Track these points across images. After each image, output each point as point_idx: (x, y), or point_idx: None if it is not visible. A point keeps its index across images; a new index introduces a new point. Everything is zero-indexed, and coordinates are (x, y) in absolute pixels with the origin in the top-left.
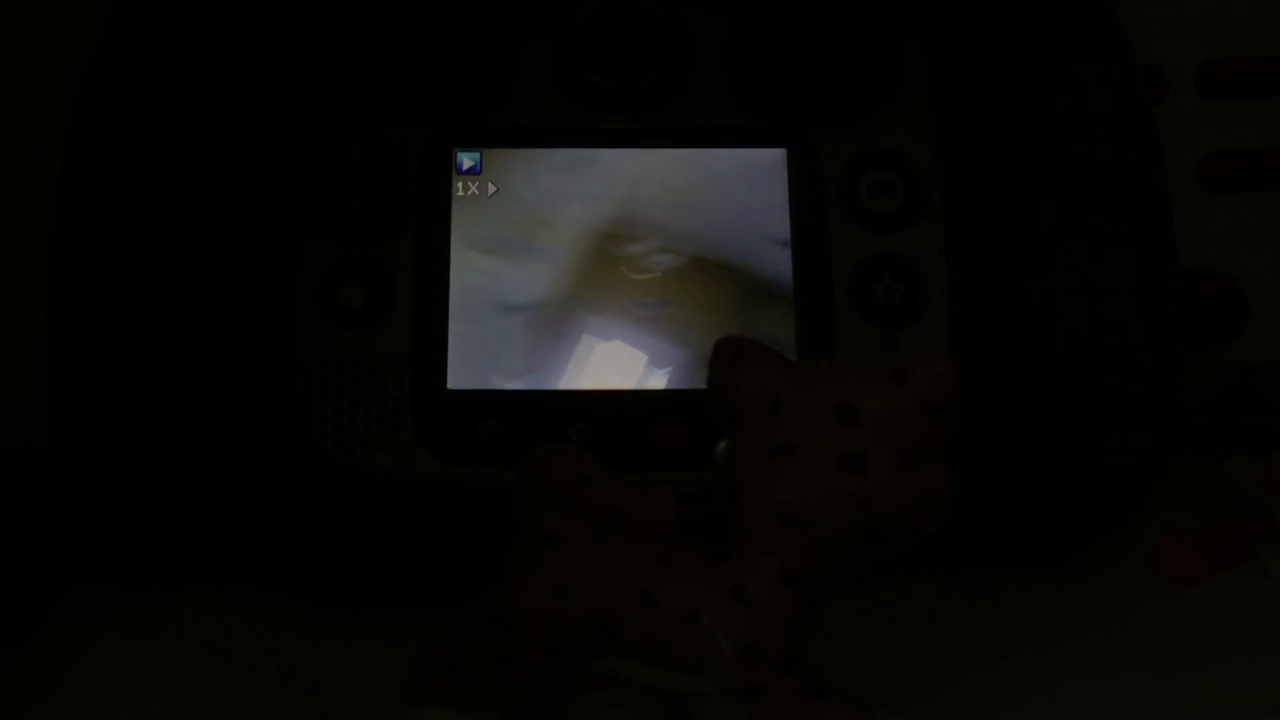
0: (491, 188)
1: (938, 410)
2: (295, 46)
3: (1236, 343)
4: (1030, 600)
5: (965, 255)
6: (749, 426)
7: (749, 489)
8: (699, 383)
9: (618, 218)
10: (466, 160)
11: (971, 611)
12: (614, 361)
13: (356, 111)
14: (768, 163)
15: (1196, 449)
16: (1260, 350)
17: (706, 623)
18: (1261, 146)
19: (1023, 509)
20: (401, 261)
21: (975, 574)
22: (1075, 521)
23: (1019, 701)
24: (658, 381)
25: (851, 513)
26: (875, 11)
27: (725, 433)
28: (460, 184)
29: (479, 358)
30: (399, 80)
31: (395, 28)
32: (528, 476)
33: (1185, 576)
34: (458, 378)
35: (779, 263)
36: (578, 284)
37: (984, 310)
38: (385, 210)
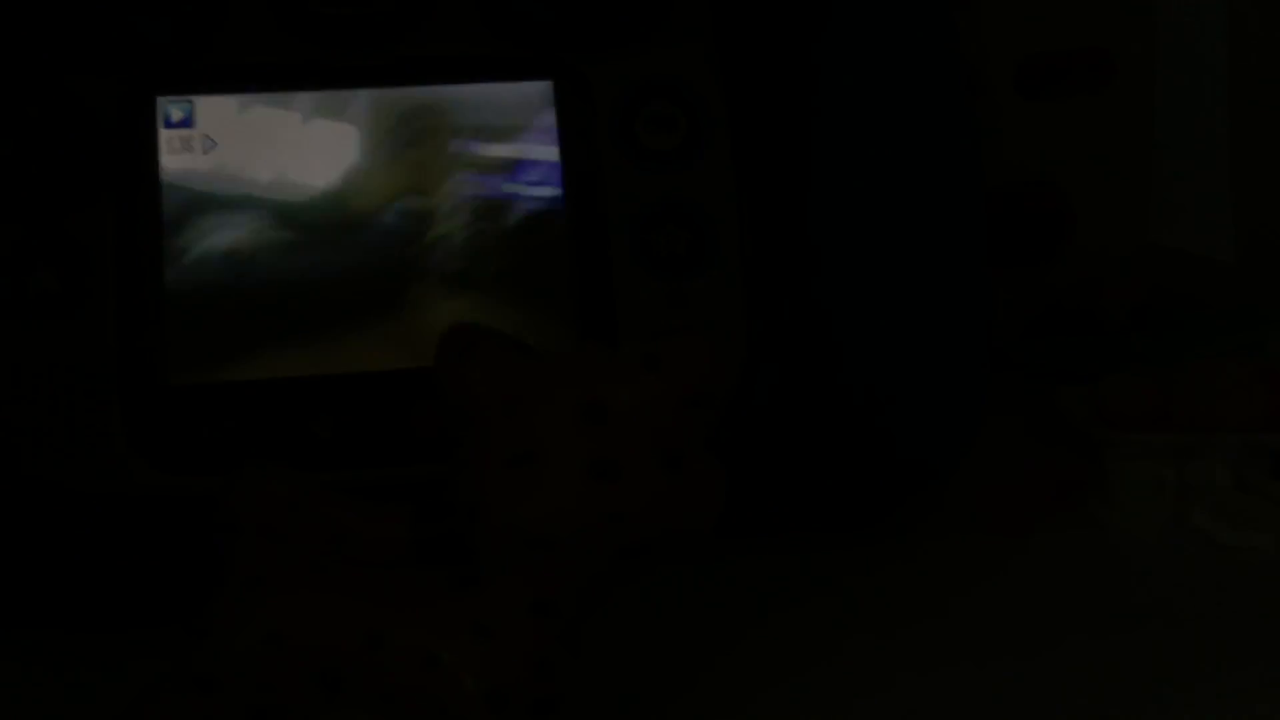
0: (208, 142)
1: (698, 400)
2: None
3: (1065, 254)
4: (852, 562)
5: (756, 196)
6: (484, 431)
7: (488, 505)
8: None
9: (359, 169)
10: (175, 111)
11: (791, 583)
12: (361, 340)
13: (36, 63)
14: (531, 98)
15: (1027, 371)
16: (1089, 261)
17: (447, 665)
18: (1080, 45)
19: (831, 475)
20: (101, 236)
21: (795, 541)
22: (886, 486)
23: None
24: (412, 359)
25: (606, 527)
26: None
27: (459, 438)
28: (169, 139)
29: (203, 345)
30: (82, 24)
31: None
32: (228, 505)
33: (1012, 530)
34: (179, 370)
35: (550, 213)
36: (315, 251)
37: (778, 259)
38: (74, 178)
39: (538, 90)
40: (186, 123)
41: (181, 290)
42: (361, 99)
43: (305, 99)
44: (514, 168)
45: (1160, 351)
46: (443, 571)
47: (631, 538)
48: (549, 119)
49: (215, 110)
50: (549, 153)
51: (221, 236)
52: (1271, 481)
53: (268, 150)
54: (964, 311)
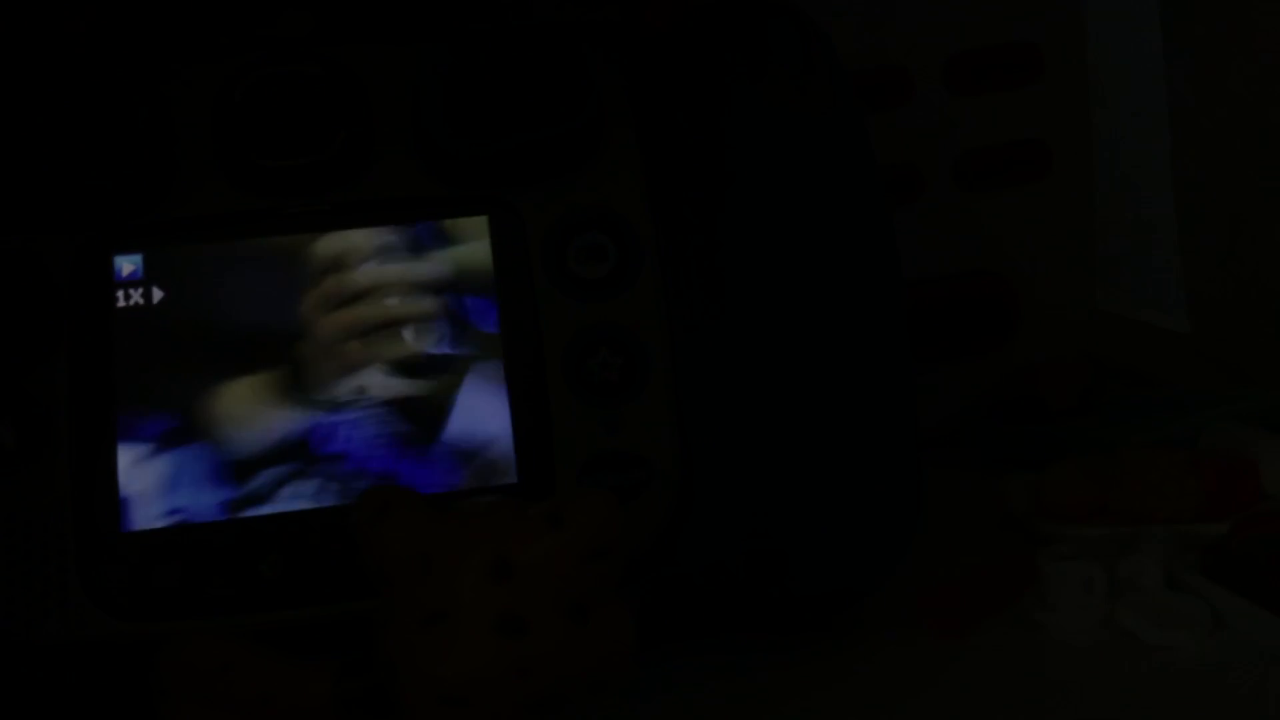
0: (158, 293)
1: (601, 553)
2: None
3: (1012, 342)
4: (791, 668)
5: (685, 320)
6: (400, 590)
7: (403, 662)
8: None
9: (306, 313)
10: (126, 265)
11: (728, 690)
12: (307, 479)
13: None
14: (468, 233)
15: (975, 459)
16: (1036, 347)
17: None
18: (1015, 138)
19: (770, 583)
20: (55, 391)
21: (735, 645)
22: (826, 593)
23: None
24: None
25: (518, 681)
26: (570, 58)
27: (379, 594)
28: (121, 293)
29: (155, 492)
30: (35, 185)
31: (28, 123)
32: (160, 671)
33: (950, 633)
34: (131, 518)
35: (488, 343)
36: (263, 395)
37: (709, 380)
38: (27, 336)
39: (474, 226)
40: (136, 274)
41: (133, 438)
42: (307, 244)
43: (251, 246)
44: (456, 300)
45: (1105, 437)
46: None
47: (541, 690)
48: (486, 253)
49: (165, 262)
50: (486, 286)
51: (172, 383)
52: (1199, 577)
53: (216, 297)
54: (891, 427)
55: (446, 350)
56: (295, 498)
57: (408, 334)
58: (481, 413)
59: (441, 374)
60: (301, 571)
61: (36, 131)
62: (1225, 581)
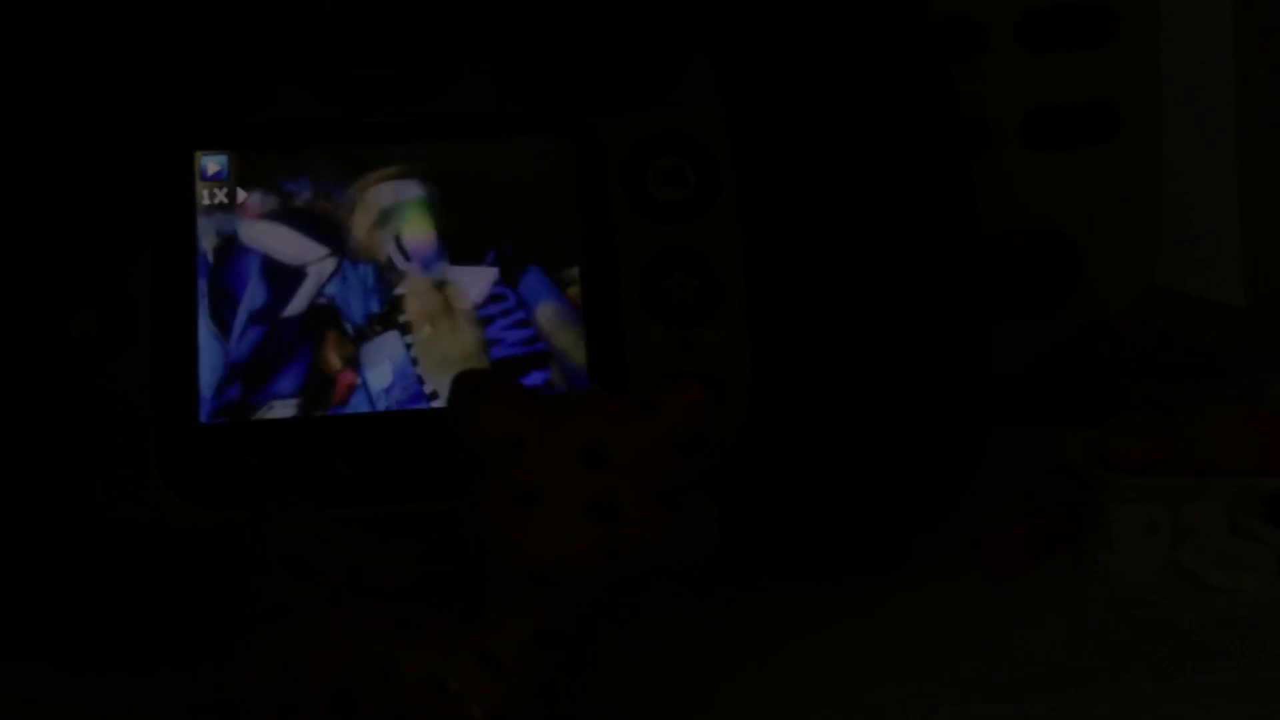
0: (241, 194)
1: (693, 444)
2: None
3: (1072, 301)
4: (852, 601)
5: (761, 245)
6: (491, 471)
7: (494, 541)
8: None
9: (385, 221)
10: (211, 165)
11: (790, 618)
12: (385, 380)
13: (79, 118)
14: (547, 152)
15: (1031, 415)
16: (1095, 308)
17: (455, 693)
18: (1085, 99)
19: (832, 511)
20: (139, 283)
21: (794, 575)
22: (887, 523)
23: (845, 715)
24: (434, 399)
25: (604, 564)
26: None
27: (469, 477)
28: (206, 191)
29: (234, 386)
30: (121, 81)
31: (115, 19)
32: (251, 539)
33: (1011, 571)
34: (210, 410)
35: (564, 262)
36: (344, 297)
37: (783, 305)
38: (113, 228)
39: (552, 145)
40: (221, 174)
41: (215, 333)
42: (388, 154)
43: (334, 153)
44: (533, 219)
45: (1161, 397)
46: (451, 604)
47: (629, 574)
48: (564, 173)
49: (249, 164)
50: (564, 205)
51: (253, 284)
52: (1262, 524)
53: (298, 200)
54: (963, 366)
55: (528, 268)
56: (372, 398)
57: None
58: (559, 331)
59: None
60: (377, 470)
61: (122, 28)
62: None
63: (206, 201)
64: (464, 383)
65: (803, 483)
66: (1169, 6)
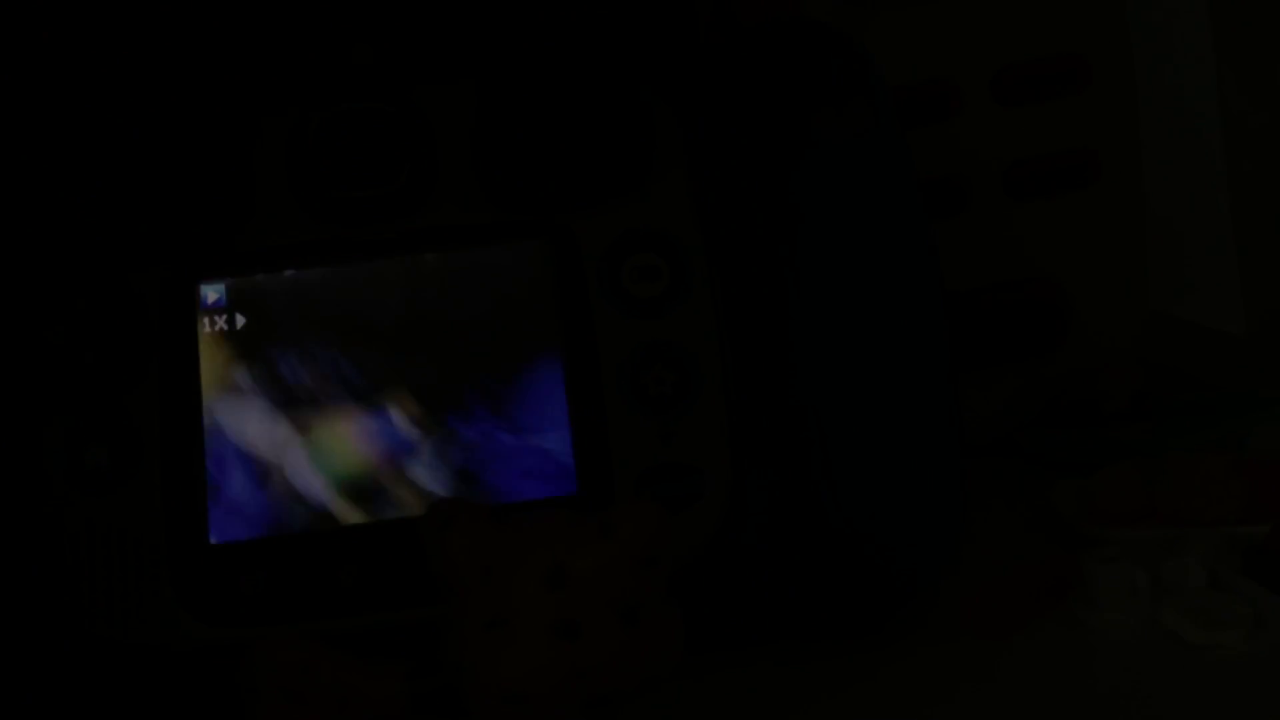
0: (240, 319)
1: (651, 560)
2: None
3: (1065, 346)
4: (843, 670)
5: (736, 336)
6: (464, 596)
7: (469, 664)
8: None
9: (379, 334)
10: (211, 294)
11: (785, 692)
12: (382, 491)
13: (84, 258)
14: (527, 256)
15: (1028, 462)
16: (1089, 351)
17: None
18: (1065, 148)
19: (816, 595)
20: (147, 414)
21: (787, 650)
22: (872, 600)
23: None
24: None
25: (574, 681)
26: (621, 80)
27: (445, 601)
28: (206, 320)
29: (240, 507)
30: (124, 222)
31: (116, 165)
32: (249, 670)
33: (999, 633)
34: (219, 530)
35: (548, 361)
36: (340, 412)
37: (759, 394)
38: (121, 361)
39: (532, 249)
40: (220, 303)
41: (220, 457)
42: (378, 269)
43: (327, 273)
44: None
45: (1150, 443)
46: None
47: (596, 688)
48: (543, 274)
49: (246, 290)
50: (545, 306)
51: (255, 404)
52: (1241, 577)
53: (294, 322)
54: (936, 433)
55: (512, 371)
56: (369, 511)
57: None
58: (545, 428)
59: (509, 394)
60: (375, 579)
61: (123, 173)
62: (1267, 582)
63: (207, 329)
64: (435, 513)
65: (784, 563)
66: (1144, 48)
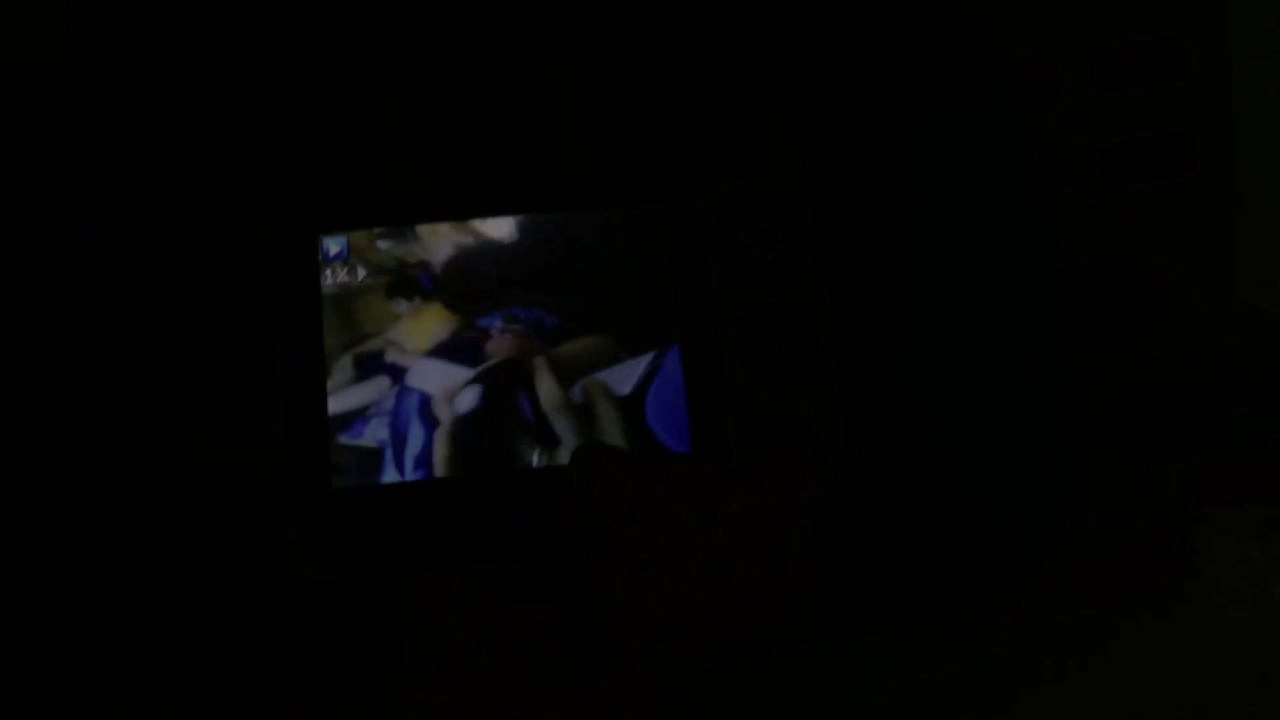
0: (361, 272)
1: (800, 508)
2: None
3: (1158, 330)
4: (952, 642)
5: (849, 301)
6: (612, 539)
7: (617, 604)
8: None
9: (497, 291)
10: (333, 246)
11: (894, 662)
12: (500, 444)
13: (214, 213)
14: (643, 220)
15: (1122, 445)
16: (1180, 338)
17: None
18: (1160, 132)
19: (921, 564)
20: (272, 361)
21: (896, 622)
22: (981, 572)
23: None
24: (546, 460)
25: (722, 621)
26: (738, 57)
27: (591, 542)
28: (328, 271)
29: (362, 453)
30: (253, 177)
31: (248, 123)
32: (397, 605)
33: (1104, 603)
34: (341, 476)
35: (664, 322)
36: (459, 365)
37: (871, 362)
38: (248, 310)
39: (648, 213)
40: (342, 255)
41: (342, 403)
42: (496, 227)
43: (446, 229)
44: (632, 282)
45: (1251, 425)
46: (580, 662)
47: (743, 631)
48: (660, 238)
49: (366, 243)
50: (661, 269)
51: (376, 352)
52: None
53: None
54: (1049, 407)
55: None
56: (488, 461)
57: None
58: (663, 389)
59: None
60: (495, 529)
61: (255, 130)
62: None
63: (329, 281)
64: (583, 457)
65: (903, 526)
66: (1241, 35)
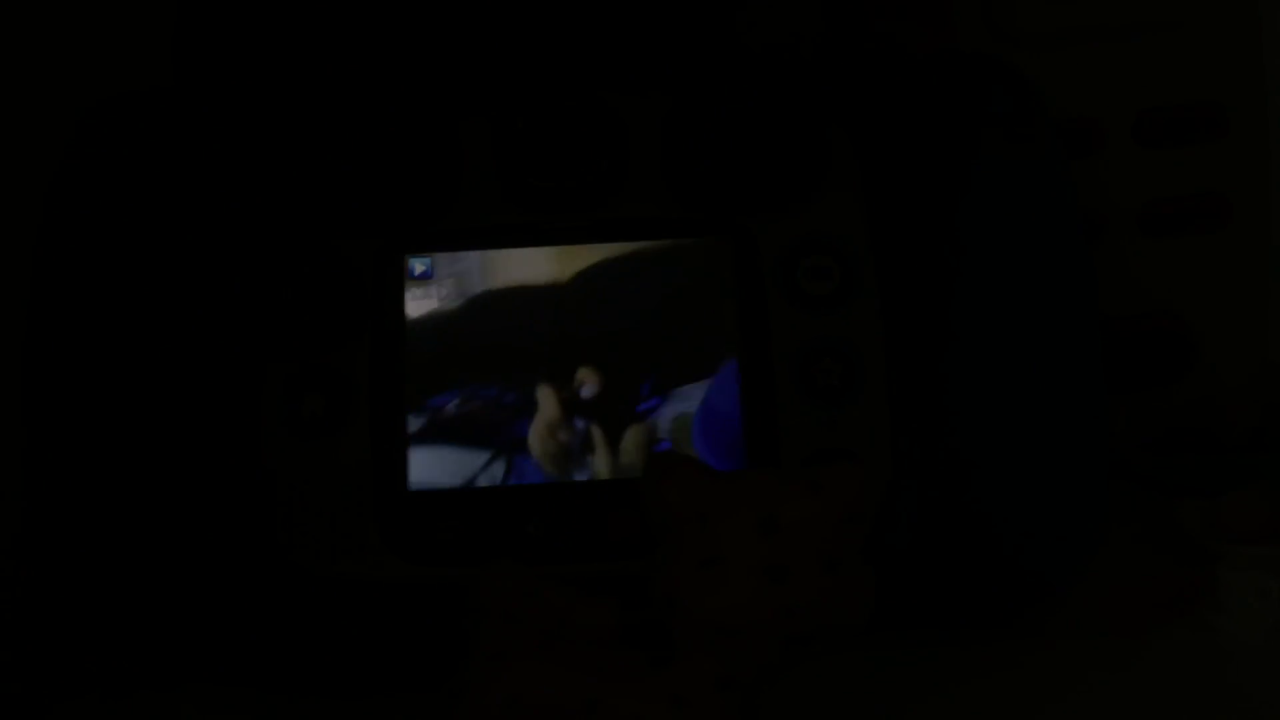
0: (443, 290)
1: (854, 517)
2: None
3: (1188, 379)
4: (979, 661)
5: (900, 334)
6: (679, 539)
7: (682, 598)
8: None
9: (566, 314)
10: (419, 265)
11: (922, 679)
12: (564, 455)
13: (307, 230)
14: (707, 252)
15: (1149, 486)
16: (1209, 386)
17: None
18: (1198, 190)
19: (957, 589)
20: (358, 369)
21: (927, 638)
22: (1011, 596)
23: None
24: (608, 473)
25: (779, 619)
26: (802, 101)
27: (659, 543)
28: (413, 288)
29: (437, 458)
30: (347, 198)
31: (344, 147)
32: (475, 593)
33: (1128, 631)
34: (417, 479)
35: (723, 350)
36: (529, 379)
37: (918, 390)
38: (339, 322)
39: (712, 246)
40: (427, 274)
41: (422, 410)
42: (569, 254)
43: (522, 254)
44: (695, 312)
45: (1275, 471)
46: (644, 652)
47: (798, 629)
48: (722, 270)
49: (450, 264)
50: (722, 299)
51: (454, 367)
52: None
53: (490, 296)
54: (1084, 443)
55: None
56: (554, 471)
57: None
58: (721, 413)
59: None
60: (560, 533)
61: (350, 154)
62: None
63: (413, 297)
64: (656, 463)
65: (939, 551)
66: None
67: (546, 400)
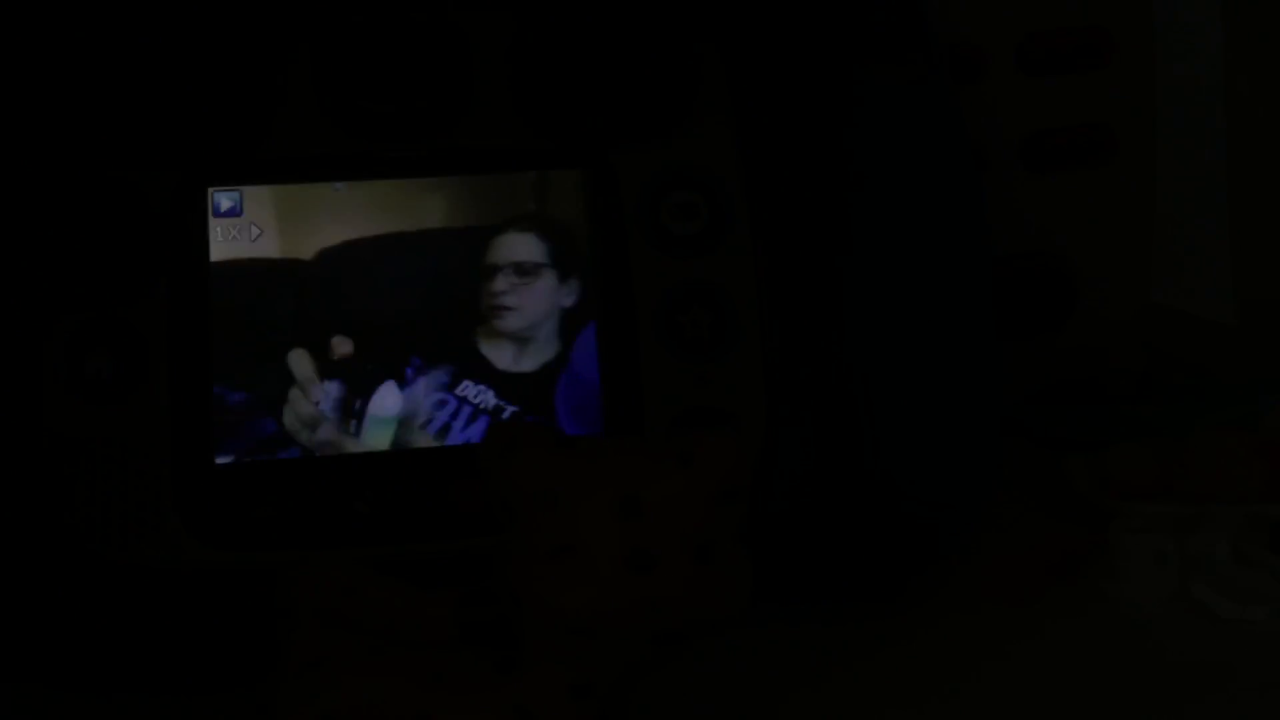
0: (255, 230)
1: (729, 495)
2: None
3: (1069, 323)
4: (867, 635)
5: (776, 280)
6: (527, 523)
7: (531, 593)
8: None
9: (398, 255)
10: (225, 201)
11: (807, 655)
12: (400, 419)
13: (92, 157)
14: (562, 186)
15: (1033, 439)
16: (1092, 331)
17: None
18: (1082, 121)
19: (840, 551)
20: (153, 322)
21: (811, 611)
22: (902, 557)
23: None
24: (451, 437)
25: (643, 615)
26: (666, 15)
27: (503, 527)
28: (218, 228)
29: (249, 426)
30: (138, 118)
31: (133, 57)
32: (285, 592)
33: (1017, 599)
34: (225, 451)
35: (580, 295)
36: (359, 334)
37: (799, 341)
38: (128, 265)
39: (567, 179)
40: (235, 211)
41: (227, 372)
42: (403, 188)
43: (349, 188)
44: (548, 251)
45: (1164, 422)
46: (487, 654)
47: (665, 625)
48: (579, 206)
49: (262, 199)
50: (579, 239)
51: (267, 319)
52: (1269, 554)
53: (310, 236)
54: (975, 389)
55: (544, 306)
56: (386, 439)
57: (509, 298)
58: (578, 366)
59: (539, 331)
60: (393, 509)
61: (141, 66)
62: None
63: (219, 238)
64: (498, 434)
65: (823, 509)
66: (1162, 26)
67: (375, 356)
